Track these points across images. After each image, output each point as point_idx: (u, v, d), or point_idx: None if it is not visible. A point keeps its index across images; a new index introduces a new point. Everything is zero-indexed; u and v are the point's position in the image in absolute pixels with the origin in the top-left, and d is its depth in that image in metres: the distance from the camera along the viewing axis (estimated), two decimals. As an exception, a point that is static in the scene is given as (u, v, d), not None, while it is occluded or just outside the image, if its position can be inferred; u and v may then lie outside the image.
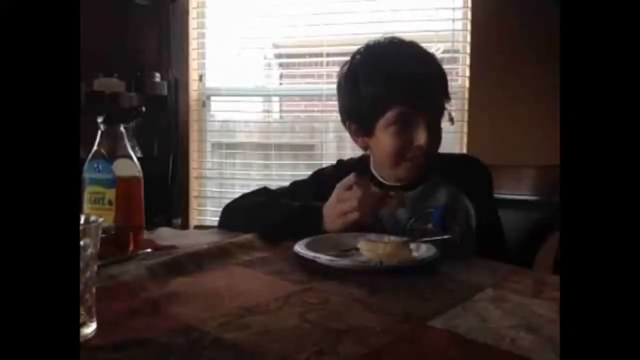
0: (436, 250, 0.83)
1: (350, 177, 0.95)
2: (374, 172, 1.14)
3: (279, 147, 2.85)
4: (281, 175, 2.79)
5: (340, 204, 0.94)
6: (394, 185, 1.10)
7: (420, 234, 1.03)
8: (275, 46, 2.98)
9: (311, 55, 2.79)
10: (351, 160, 1.25)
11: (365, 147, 1.12)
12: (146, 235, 0.92)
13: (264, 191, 1.16)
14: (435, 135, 1.04)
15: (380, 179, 1.12)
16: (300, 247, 0.83)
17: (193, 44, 2.82)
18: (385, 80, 1.02)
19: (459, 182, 1.09)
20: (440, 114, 1.06)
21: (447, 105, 1.07)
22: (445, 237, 0.97)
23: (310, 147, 2.86)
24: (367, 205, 0.92)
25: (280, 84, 3.02)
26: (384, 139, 1.05)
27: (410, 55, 1.05)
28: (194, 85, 2.84)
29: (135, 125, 2.47)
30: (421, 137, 1.01)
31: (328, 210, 0.96)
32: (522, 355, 0.49)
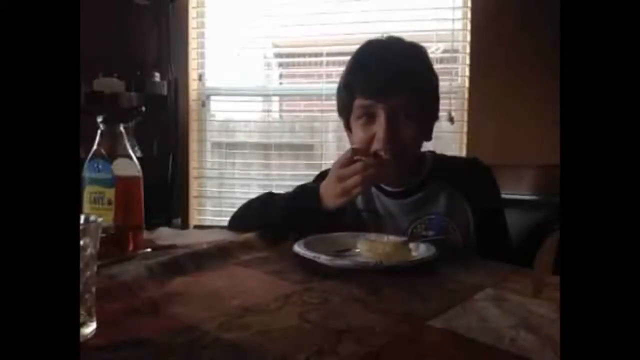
0: (435, 249, 0.83)
1: (348, 153, 0.94)
2: None
3: (278, 146, 2.85)
4: (281, 175, 2.79)
5: (342, 182, 0.93)
6: (393, 190, 1.09)
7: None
8: (275, 46, 2.98)
9: (311, 55, 2.79)
10: None
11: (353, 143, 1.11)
12: (146, 235, 0.92)
13: (267, 194, 1.16)
14: (403, 129, 0.99)
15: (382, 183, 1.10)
16: (300, 247, 0.83)
17: (193, 43, 2.82)
18: (352, 72, 1.03)
19: (461, 188, 1.07)
20: (410, 107, 0.99)
21: (421, 100, 1.01)
22: (439, 237, 0.97)
23: (310, 146, 2.86)
24: (369, 178, 0.92)
25: (280, 83, 3.02)
26: (355, 133, 1.05)
27: (388, 50, 1.03)
28: (193, 85, 2.84)
29: (134, 125, 2.47)
30: (380, 129, 0.98)
31: (328, 190, 0.96)
32: (522, 355, 0.49)
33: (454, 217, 1.06)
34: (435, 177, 1.09)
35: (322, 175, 1.19)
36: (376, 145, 0.99)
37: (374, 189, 1.10)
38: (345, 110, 1.07)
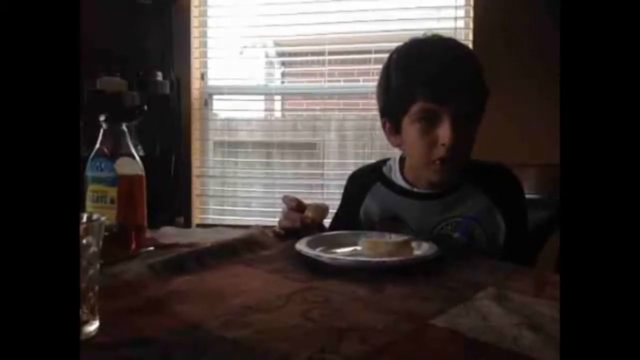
0: (437, 248, 0.83)
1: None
2: (399, 177, 1.10)
3: (281, 145, 2.85)
4: (283, 173, 2.79)
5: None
6: (425, 192, 1.07)
7: (445, 242, 0.98)
8: (277, 44, 2.98)
9: (313, 53, 2.79)
10: (367, 167, 1.22)
11: (398, 146, 1.08)
12: (149, 233, 0.92)
13: None
14: (464, 134, 0.97)
15: (408, 186, 1.08)
16: (302, 246, 0.83)
17: (195, 42, 2.82)
18: (410, 73, 0.99)
19: (493, 194, 1.05)
20: (470, 111, 0.98)
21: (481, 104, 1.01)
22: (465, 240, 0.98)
23: (312, 145, 2.85)
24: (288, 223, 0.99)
25: (282, 82, 3.02)
26: (410, 137, 1.00)
27: (441, 50, 1.01)
28: (196, 84, 2.84)
29: (137, 124, 2.47)
30: (445, 135, 0.94)
31: None
32: (524, 353, 0.49)
33: (485, 222, 1.04)
34: (466, 180, 1.06)
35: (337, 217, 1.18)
36: (440, 152, 0.97)
37: (394, 194, 1.08)
38: (397, 111, 1.02)
